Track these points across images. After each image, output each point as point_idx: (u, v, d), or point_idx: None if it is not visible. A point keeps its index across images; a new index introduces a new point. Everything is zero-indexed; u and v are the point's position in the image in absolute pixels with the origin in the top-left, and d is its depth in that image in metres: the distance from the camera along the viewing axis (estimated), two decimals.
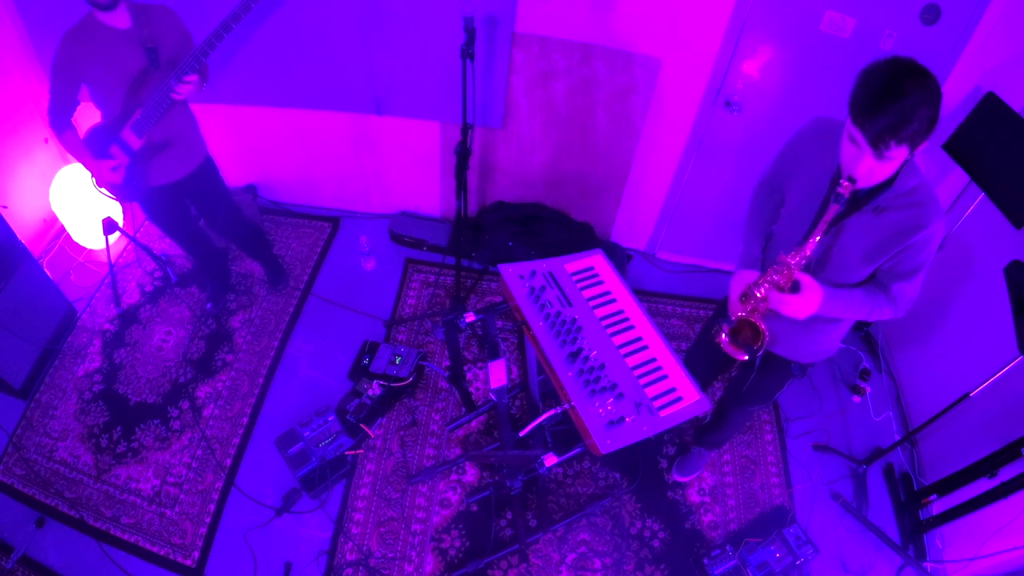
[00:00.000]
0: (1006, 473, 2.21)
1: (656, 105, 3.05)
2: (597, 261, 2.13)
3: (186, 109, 2.54)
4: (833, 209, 1.53)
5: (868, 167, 1.45)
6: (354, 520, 2.60)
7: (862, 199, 1.60)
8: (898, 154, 1.41)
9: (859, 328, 3.40)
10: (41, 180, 3.31)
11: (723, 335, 1.74)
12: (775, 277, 1.65)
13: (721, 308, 2.22)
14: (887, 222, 1.59)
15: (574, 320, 1.92)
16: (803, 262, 1.61)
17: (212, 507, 2.60)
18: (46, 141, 3.36)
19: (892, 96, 1.33)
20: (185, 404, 2.89)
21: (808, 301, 1.63)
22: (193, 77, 2.25)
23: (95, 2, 2.12)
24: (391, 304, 3.40)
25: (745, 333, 1.73)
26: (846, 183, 1.49)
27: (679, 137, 3.16)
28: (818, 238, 1.57)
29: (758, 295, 1.69)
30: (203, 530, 2.54)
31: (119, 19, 2.20)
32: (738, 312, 1.72)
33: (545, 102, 3.14)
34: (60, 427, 2.79)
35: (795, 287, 1.65)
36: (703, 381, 2.39)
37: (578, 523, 2.63)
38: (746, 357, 1.73)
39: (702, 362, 2.39)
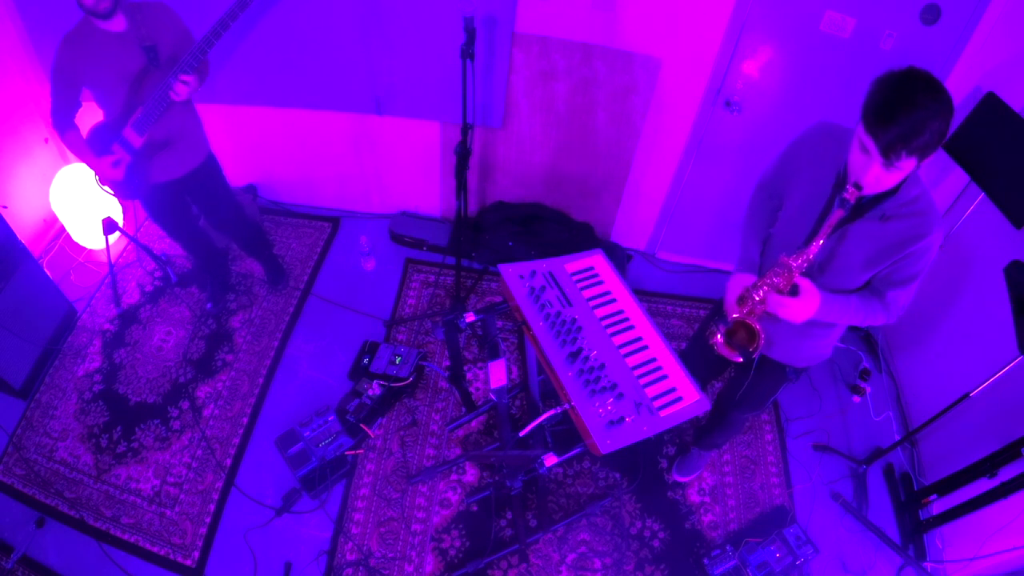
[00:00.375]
0: (1006, 473, 2.21)
1: (656, 105, 3.05)
2: (597, 261, 2.13)
3: (189, 107, 2.54)
4: (837, 214, 1.53)
5: (876, 175, 1.46)
6: (354, 520, 2.60)
7: (865, 206, 1.61)
8: (907, 164, 1.42)
9: (858, 328, 3.40)
10: (41, 180, 3.31)
11: (718, 336, 1.74)
12: (775, 279, 1.66)
13: (715, 310, 2.22)
14: (890, 230, 1.60)
15: (574, 320, 1.92)
16: (805, 265, 1.62)
17: (212, 507, 2.60)
18: (46, 141, 3.36)
19: (905, 107, 1.35)
20: (185, 404, 2.89)
21: (806, 305, 1.64)
22: (190, 78, 2.25)
23: (95, 13, 2.12)
24: (391, 304, 3.40)
25: (740, 335, 1.73)
26: (852, 189, 1.50)
27: (679, 137, 3.16)
28: (821, 242, 1.57)
29: (756, 298, 1.69)
30: (203, 530, 2.54)
31: (115, 23, 2.20)
32: (734, 314, 1.73)
33: (545, 102, 3.14)
34: (60, 427, 2.79)
35: (794, 291, 1.65)
36: (701, 381, 2.38)
37: (578, 523, 2.63)
38: (741, 359, 1.74)
39: (698, 363, 2.39)
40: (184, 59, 2.22)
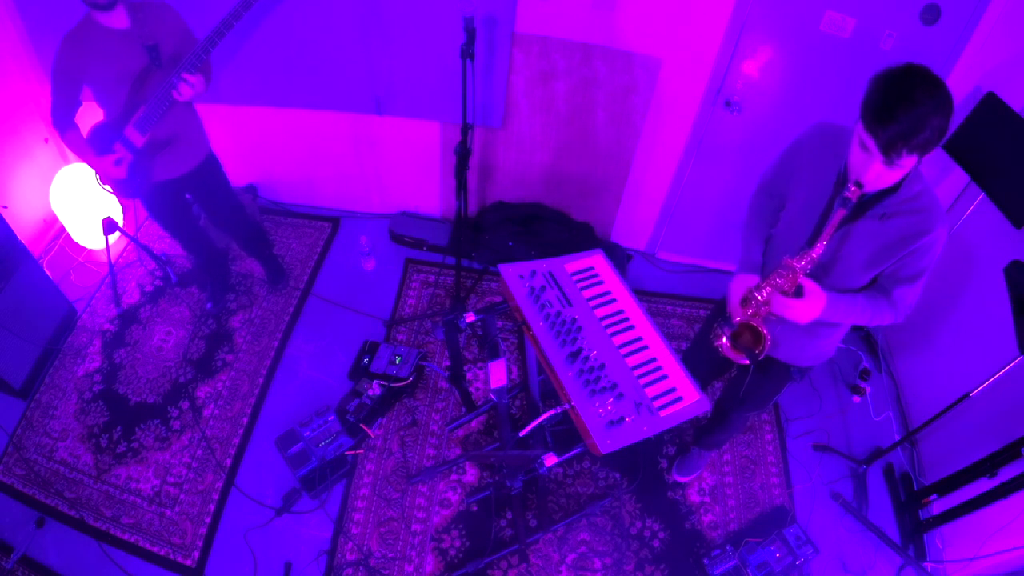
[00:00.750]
0: (1006, 473, 2.21)
1: (656, 105, 3.05)
2: (597, 261, 2.13)
3: (189, 106, 2.54)
4: (839, 213, 1.53)
5: (877, 173, 1.46)
6: (354, 520, 2.60)
7: (867, 204, 1.60)
8: (907, 162, 1.42)
9: (859, 328, 3.40)
10: (41, 180, 3.31)
11: (723, 339, 1.74)
12: (779, 281, 1.65)
13: (718, 310, 2.22)
14: (892, 227, 1.59)
15: (574, 320, 1.92)
16: (809, 266, 1.61)
17: (212, 507, 2.60)
18: (46, 141, 3.36)
19: (905, 105, 1.34)
20: (185, 404, 2.89)
21: (812, 306, 1.63)
22: (195, 78, 2.24)
23: (95, 5, 2.11)
24: (391, 304, 3.40)
25: (745, 337, 1.73)
26: (854, 188, 1.49)
27: (679, 137, 3.16)
28: (825, 242, 1.56)
29: (760, 299, 1.69)
30: (203, 530, 2.54)
31: (117, 19, 2.20)
32: (738, 316, 1.72)
33: (545, 102, 3.14)
34: (60, 427, 2.79)
35: (798, 292, 1.65)
36: (702, 381, 2.38)
37: (578, 523, 2.63)
38: (747, 361, 1.73)
39: (701, 363, 2.39)
40: (186, 59, 2.22)
